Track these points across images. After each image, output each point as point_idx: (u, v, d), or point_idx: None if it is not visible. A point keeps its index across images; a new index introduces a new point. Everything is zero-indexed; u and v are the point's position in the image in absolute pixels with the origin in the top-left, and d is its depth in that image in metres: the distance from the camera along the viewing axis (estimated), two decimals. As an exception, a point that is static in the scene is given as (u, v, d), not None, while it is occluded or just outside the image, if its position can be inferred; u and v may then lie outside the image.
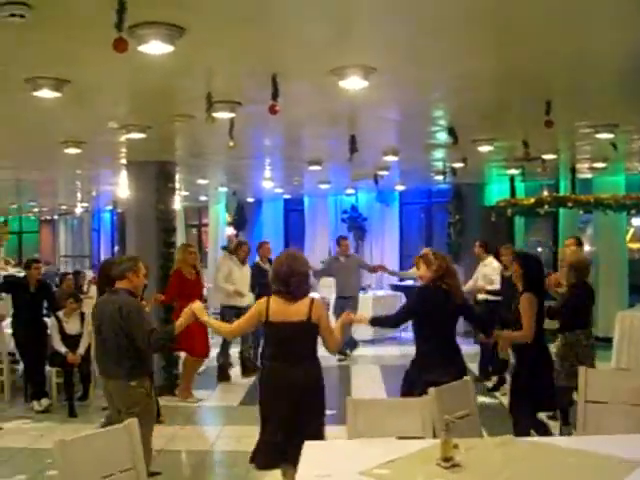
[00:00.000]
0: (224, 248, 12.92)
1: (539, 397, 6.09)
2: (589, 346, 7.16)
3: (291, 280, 5.36)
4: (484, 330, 6.78)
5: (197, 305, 5.56)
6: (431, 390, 4.67)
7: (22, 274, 11.06)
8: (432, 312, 6.07)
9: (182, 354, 10.12)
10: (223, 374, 11.04)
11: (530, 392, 6.06)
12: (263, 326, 5.47)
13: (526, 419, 6.04)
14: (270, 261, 12.01)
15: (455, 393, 4.89)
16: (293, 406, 5.28)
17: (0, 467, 7.10)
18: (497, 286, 10.17)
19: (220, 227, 22.04)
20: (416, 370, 6.12)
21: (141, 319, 5.47)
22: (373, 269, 13.74)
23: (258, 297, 10.88)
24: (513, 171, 12.44)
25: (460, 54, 5.27)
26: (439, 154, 11.00)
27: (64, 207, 24.49)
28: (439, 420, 4.26)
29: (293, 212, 20.84)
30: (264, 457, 5.46)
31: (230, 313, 10.37)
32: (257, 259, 12.01)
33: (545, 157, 10.32)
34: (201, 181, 15.13)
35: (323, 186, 15.47)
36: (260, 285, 10.91)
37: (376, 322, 7.02)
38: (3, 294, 10.57)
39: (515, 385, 6.30)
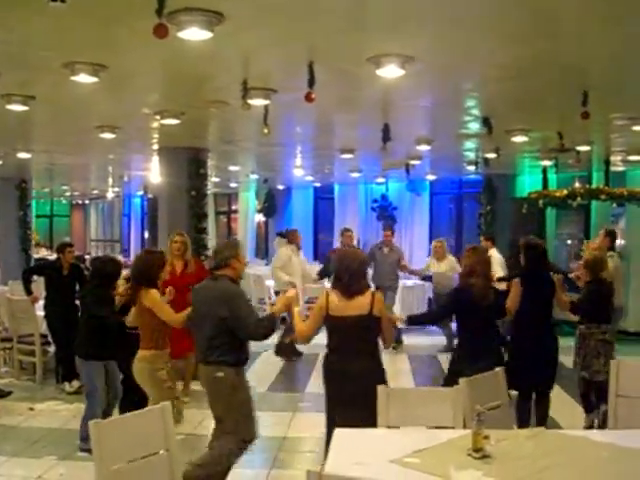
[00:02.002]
0: (281, 234, 13.04)
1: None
2: (604, 340, 7.18)
3: (347, 276, 5.33)
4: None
5: (292, 293, 5.62)
6: (462, 380, 4.68)
7: (54, 257, 11.19)
8: (462, 312, 6.17)
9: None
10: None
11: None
12: (324, 320, 5.39)
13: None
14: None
15: (487, 384, 4.89)
16: (353, 399, 5.18)
17: (32, 447, 7.19)
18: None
19: (250, 214, 22.10)
20: (456, 362, 6.20)
21: (248, 307, 5.40)
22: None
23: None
24: (546, 162, 12.35)
25: (498, 43, 5.24)
26: (472, 144, 10.95)
27: (96, 191, 24.70)
28: (470, 411, 4.26)
29: (323, 200, 20.81)
30: None
31: None
32: (338, 246, 12.56)
33: (579, 149, 10.24)
34: (232, 168, 15.18)
35: (354, 174, 15.46)
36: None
37: (413, 322, 6.84)
38: (35, 277, 10.67)
39: None
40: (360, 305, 5.27)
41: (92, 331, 6.79)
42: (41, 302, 9.90)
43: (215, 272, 5.51)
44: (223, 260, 5.47)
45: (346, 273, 5.35)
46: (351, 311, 5.26)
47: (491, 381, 4.95)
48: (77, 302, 9.70)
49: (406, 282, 15.31)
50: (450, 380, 5.83)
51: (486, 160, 11.66)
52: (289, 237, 11.73)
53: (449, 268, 12.23)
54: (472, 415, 3.97)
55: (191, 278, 8.33)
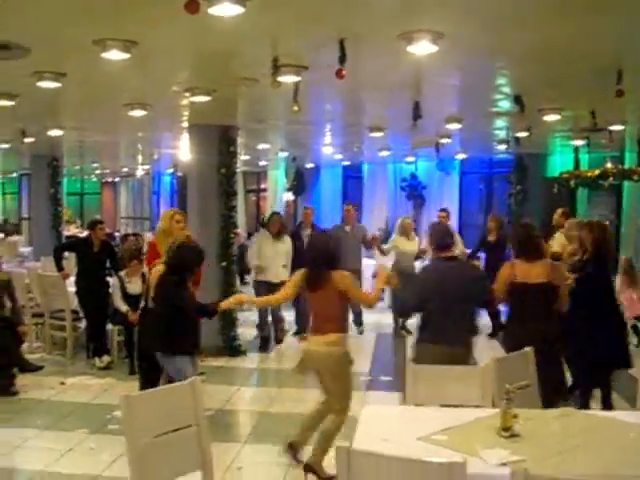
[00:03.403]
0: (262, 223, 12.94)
1: None
2: None
3: (527, 245, 6.07)
4: None
5: None
6: (491, 359, 4.67)
7: (84, 234, 11.30)
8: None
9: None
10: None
11: None
12: (509, 286, 6.00)
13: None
14: (313, 227, 11.67)
15: (515, 364, 4.87)
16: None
17: (63, 421, 7.30)
18: None
19: (279, 192, 22.12)
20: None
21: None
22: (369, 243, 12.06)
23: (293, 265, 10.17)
24: (578, 142, 12.21)
25: (531, 21, 5.16)
26: (502, 122, 10.84)
27: (125, 169, 24.82)
28: (499, 390, 4.25)
29: (352, 179, 20.76)
30: None
31: (261, 287, 10.33)
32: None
33: (612, 128, 10.11)
34: (262, 146, 15.17)
35: (383, 153, 15.38)
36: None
37: None
38: (67, 253, 10.78)
39: None
40: (539, 273, 5.95)
41: (173, 323, 6.00)
42: (72, 278, 10.01)
43: (442, 253, 5.79)
44: (448, 243, 5.83)
45: (530, 241, 6.07)
46: (533, 279, 5.94)
47: (519, 361, 4.93)
48: (108, 278, 9.86)
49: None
50: None
51: (517, 139, 11.55)
52: (265, 224, 11.61)
53: (415, 247, 11.71)
54: (501, 394, 3.96)
55: None
